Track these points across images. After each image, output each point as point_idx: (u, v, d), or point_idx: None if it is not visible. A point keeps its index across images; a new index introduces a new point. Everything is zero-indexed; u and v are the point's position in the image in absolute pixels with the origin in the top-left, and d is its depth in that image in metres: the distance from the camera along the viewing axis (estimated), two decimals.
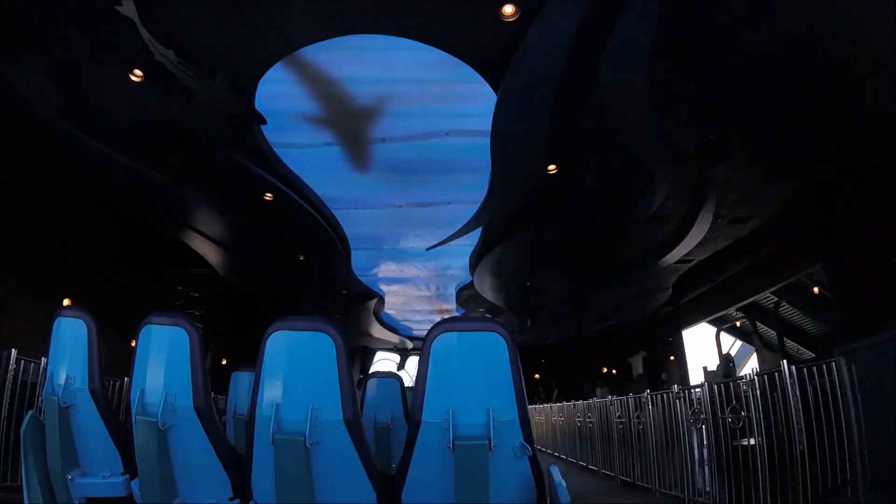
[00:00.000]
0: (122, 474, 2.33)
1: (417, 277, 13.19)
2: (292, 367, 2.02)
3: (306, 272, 11.70)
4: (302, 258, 10.91)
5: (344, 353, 2.02)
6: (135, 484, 2.24)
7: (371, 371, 23.31)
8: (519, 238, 9.53)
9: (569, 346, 21.69)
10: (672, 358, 16.76)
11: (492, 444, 1.90)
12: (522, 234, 9.34)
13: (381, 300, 14.74)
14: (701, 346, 17.88)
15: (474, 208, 8.47)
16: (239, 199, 8.18)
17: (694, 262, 11.17)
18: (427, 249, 10.38)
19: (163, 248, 11.34)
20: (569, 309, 15.30)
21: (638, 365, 18.24)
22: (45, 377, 2.59)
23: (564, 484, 2.06)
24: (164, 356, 2.19)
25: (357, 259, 11.20)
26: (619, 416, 7.31)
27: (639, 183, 7.61)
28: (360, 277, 12.61)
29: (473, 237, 9.96)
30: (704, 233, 9.19)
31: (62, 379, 2.32)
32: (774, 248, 10.52)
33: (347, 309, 15.06)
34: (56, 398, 2.28)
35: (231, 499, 2.21)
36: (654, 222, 8.84)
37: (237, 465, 2.23)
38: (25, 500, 2.41)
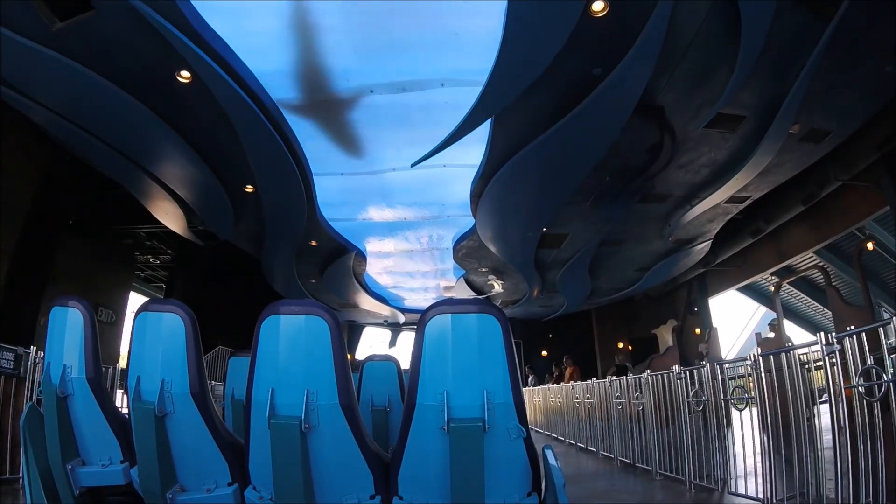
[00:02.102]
0: (122, 462, 2.64)
1: (404, 221, 11.57)
2: (287, 352, 2.29)
3: (259, 214, 10.28)
4: (249, 189, 9.39)
5: (339, 337, 2.27)
6: (134, 471, 2.53)
7: (358, 350, 23.77)
8: (538, 149, 7.77)
9: (581, 318, 21.84)
10: (698, 331, 17.27)
11: (486, 426, 2.14)
12: (543, 140, 7.55)
13: (361, 256, 13.61)
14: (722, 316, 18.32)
15: (476, 91, 6.49)
16: (142, 77, 6.45)
17: (748, 202, 10.80)
18: (412, 165, 8.34)
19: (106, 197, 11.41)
20: (590, 268, 14.31)
21: (667, 337, 18.50)
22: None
23: (559, 465, 2.35)
24: (159, 343, 2.48)
25: (322, 193, 9.74)
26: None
27: (716, 53, 6.25)
28: (330, 223, 11.24)
29: (477, 153, 8.32)
30: (773, 153, 8.38)
31: (59, 369, 2.62)
32: (839, 188, 10.59)
33: (322, 269, 14.20)
34: (54, 388, 2.59)
35: (229, 483, 2.49)
36: (719, 126, 7.78)
37: (235, 450, 2.51)
38: (26, 492, 2.72)
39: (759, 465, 4.95)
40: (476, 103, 6.63)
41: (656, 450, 6.70)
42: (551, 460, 2.39)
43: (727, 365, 6.11)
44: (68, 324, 2.71)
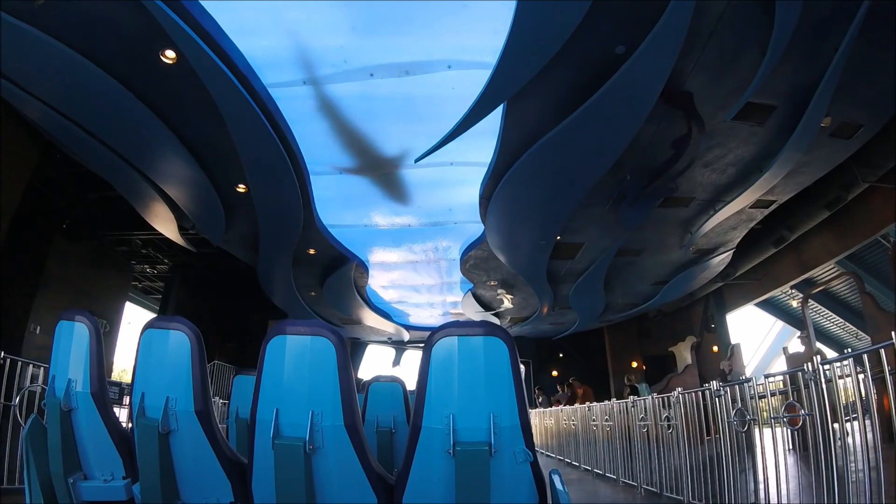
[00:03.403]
0: (124, 478, 2.74)
1: (408, 228, 11.31)
2: (292, 372, 2.38)
3: (253, 217, 9.99)
4: (242, 188, 9.09)
5: (344, 358, 2.36)
6: (136, 488, 2.64)
7: (361, 368, 23.85)
8: (555, 141, 7.43)
9: (592, 336, 21.80)
10: (716, 349, 17.24)
11: (493, 450, 2.22)
12: (560, 130, 7.23)
13: (363, 267, 13.31)
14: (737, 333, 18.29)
15: (486, 76, 6.14)
16: (125, 58, 6.25)
17: (773, 207, 10.75)
18: (416, 161, 8.01)
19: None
20: (605, 280, 14.14)
21: (685, 354, 18.43)
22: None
23: (566, 490, 2.43)
24: (164, 360, 2.59)
25: (320, 194, 9.54)
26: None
27: (747, 30, 6.05)
28: (329, 229, 10.98)
29: (487, 150, 8.00)
30: (803, 149, 8.25)
31: (64, 383, 2.74)
32: (861, 192, 10.66)
33: (322, 281, 14.00)
34: (58, 402, 2.70)
35: (232, 503, 2.59)
36: (748, 117, 7.61)
37: (238, 469, 2.61)
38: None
39: (813, 490, 4.52)
40: (487, 85, 6.27)
41: (688, 477, 6.20)
42: (558, 485, 2.46)
43: (775, 378, 5.57)
44: (74, 338, 2.83)
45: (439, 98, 7.10)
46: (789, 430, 4.96)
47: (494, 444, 2.25)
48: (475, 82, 6.33)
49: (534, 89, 6.52)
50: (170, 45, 5.98)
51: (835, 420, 4.27)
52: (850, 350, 4.06)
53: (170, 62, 6.23)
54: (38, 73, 6.45)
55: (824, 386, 4.33)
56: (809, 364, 4.49)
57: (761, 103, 7.39)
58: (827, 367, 4.36)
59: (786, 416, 4.85)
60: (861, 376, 4.01)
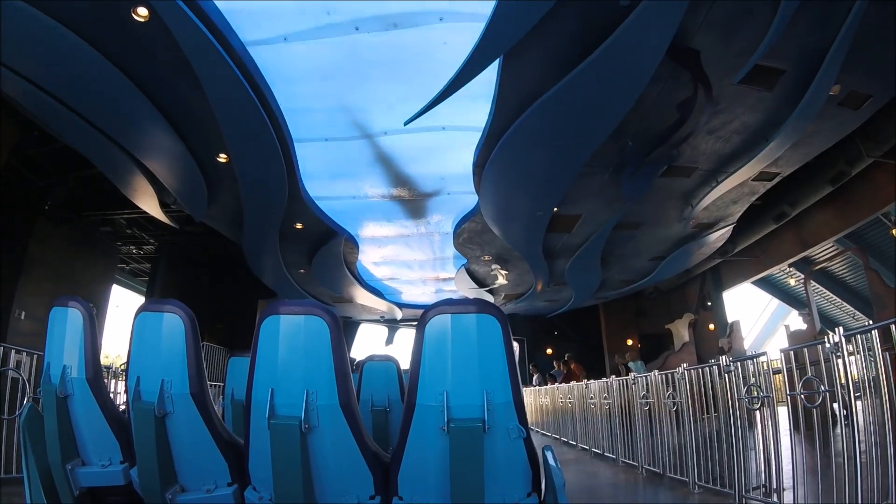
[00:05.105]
0: (122, 463, 2.82)
1: (399, 199, 11.01)
2: (287, 352, 2.44)
3: (236, 190, 9.67)
4: (222, 158, 8.75)
5: (338, 337, 2.42)
6: (134, 472, 2.70)
7: (353, 348, 23.94)
8: (554, 101, 7.10)
9: (588, 314, 21.87)
10: (712, 327, 17.34)
11: (486, 426, 2.29)
12: (560, 89, 6.90)
13: (352, 242, 13.03)
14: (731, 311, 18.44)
15: (480, 29, 5.87)
16: (94, 17, 5.94)
17: (777, 180, 10.60)
18: (406, 123, 7.61)
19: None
20: (602, 256, 13.97)
21: (682, 332, 18.53)
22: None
23: (558, 466, 2.52)
24: (159, 343, 2.65)
25: (305, 164, 9.24)
26: None
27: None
28: (315, 201, 10.68)
29: (481, 114, 7.76)
30: (811, 117, 8.10)
31: (59, 369, 2.79)
32: (864, 168, 10.72)
33: (310, 258, 13.75)
34: (53, 388, 2.76)
35: (229, 484, 2.66)
36: (756, 81, 7.41)
37: (234, 450, 2.68)
38: (26, 492, 2.89)
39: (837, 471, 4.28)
40: (482, 38, 5.95)
41: (694, 457, 6.13)
42: (551, 461, 2.55)
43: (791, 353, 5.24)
44: (68, 324, 2.88)
45: (430, 54, 6.88)
46: (792, 408, 4.84)
47: (488, 421, 2.31)
48: (469, 36, 6.04)
49: (532, 43, 6.27)
50: (141, 2, 5.72)
51: (856, 397, 4.19)
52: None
53: (142, 20, 5.94)
54: (8, 40, 6.18)
55: (847, 359, 4.22)
56: (831, 337, 4.28)
57: (770, 66, 7.21)
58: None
59: (803, 394, 4.66)
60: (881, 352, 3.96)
